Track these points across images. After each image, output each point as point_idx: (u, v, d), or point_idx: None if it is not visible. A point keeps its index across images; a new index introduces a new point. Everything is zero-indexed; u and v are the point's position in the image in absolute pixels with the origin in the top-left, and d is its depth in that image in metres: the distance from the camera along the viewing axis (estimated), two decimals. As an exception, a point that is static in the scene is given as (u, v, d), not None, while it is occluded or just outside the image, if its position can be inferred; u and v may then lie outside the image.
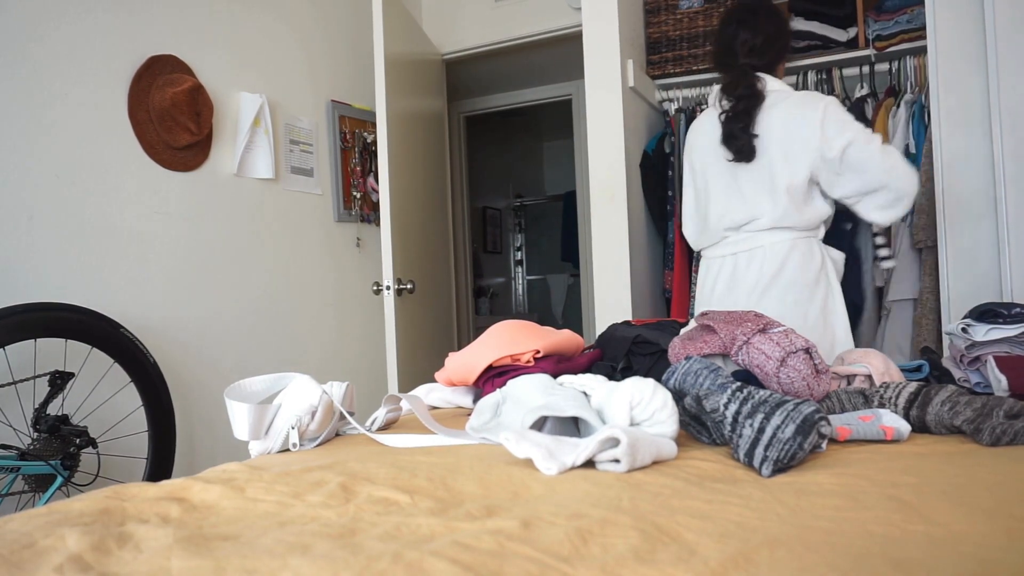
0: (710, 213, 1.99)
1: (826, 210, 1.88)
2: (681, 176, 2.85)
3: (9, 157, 2.01)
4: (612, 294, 2.69)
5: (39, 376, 1.91)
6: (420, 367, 2.94)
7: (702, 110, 2.88)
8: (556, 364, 1.39)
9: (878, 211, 1.79)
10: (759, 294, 1.87)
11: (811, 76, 2.82)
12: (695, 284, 2.87)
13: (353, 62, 3.27)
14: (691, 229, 2.12)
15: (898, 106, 2.57)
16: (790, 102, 1.85)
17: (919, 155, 2.47)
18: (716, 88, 1.97)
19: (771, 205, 1.85)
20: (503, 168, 6.63)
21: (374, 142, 3.25)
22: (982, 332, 1.34)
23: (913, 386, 1.14)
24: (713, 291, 1.99)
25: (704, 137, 2.00)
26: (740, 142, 1.85)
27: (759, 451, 0.86)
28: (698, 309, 2.07)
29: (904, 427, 1.02)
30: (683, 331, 1.43)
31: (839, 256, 1.96)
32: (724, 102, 1.91)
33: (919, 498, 0.71)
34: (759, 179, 1.87)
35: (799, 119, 1.81)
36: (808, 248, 1.88)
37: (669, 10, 2.98)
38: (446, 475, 0.84)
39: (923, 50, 2.50)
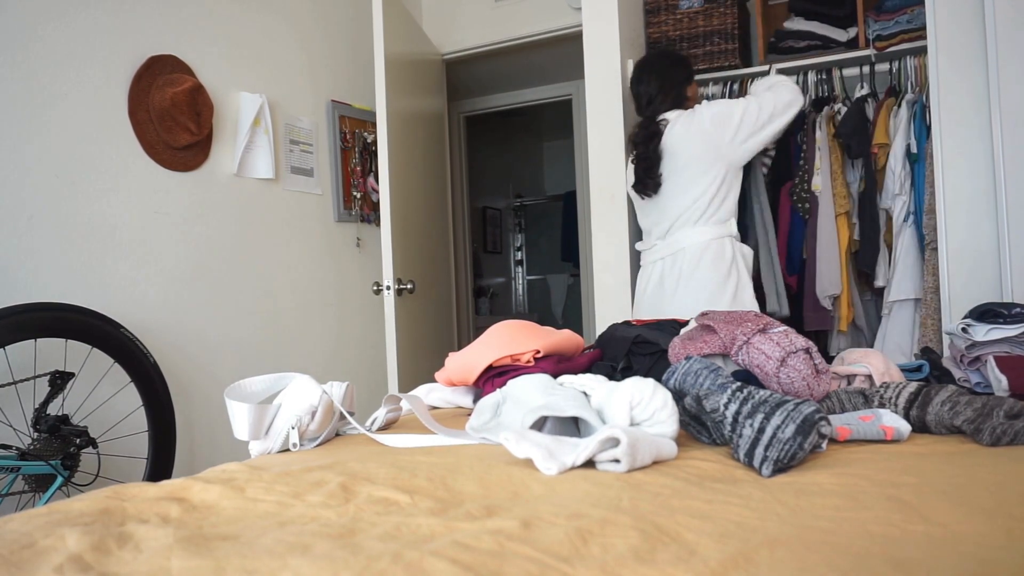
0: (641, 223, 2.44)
1: (734, 203, 2.29)
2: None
3: (9, 157, 2.01)
4: (612, 294, 2.69)
5: (39, 376, 1.91)
6: (420, 367, 2.94)
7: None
8: (556, 364, 1.39)
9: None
10: (678, 290, 2.24)
11: (811, 76, 2.81)
12: None
13: (353, 62, 3.27)
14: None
15: (899, 106, 2.57)
16: (681, 122, 2.27)
17: (921, 155, 2.47)
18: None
19: (687, 211, 2.25)
20: (503, 168, 6.63)
21: (374, 142, 3.25)
22: (982, 332, 1.34)
23: (913, 386, 1.14)
24: (644, 292, 2.37)
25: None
26: (647, 185, 2.29)
27: (759, 451, 0.86)
28: (636, 310, 2.45)
29: (904, 427, 1.02)
30: (683, 331, 1.43)
31: (749, 252, 2.30)
32: (632, 150, 2.36)
33: (919, 498, 0.71)
34: (673, 193, 2.28)
35: (694, 135, 2.23)
36: (720, 246, 2.23)
37: (669, 10, 2.98)
38: (446, 475, 0.84)
39: (923, 50, 2.50)
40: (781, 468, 0.86)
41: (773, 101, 2.21)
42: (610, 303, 2.69)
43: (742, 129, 2.20)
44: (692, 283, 2.22)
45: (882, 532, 0.62)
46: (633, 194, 2.41)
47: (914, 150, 2.50)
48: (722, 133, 2.20)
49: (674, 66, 2.40)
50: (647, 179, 2.28)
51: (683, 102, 2.35)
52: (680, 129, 2.25)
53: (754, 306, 2.23)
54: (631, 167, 2.40)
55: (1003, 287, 2.15)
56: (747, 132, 2.20)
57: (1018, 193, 2.14)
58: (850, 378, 1.32)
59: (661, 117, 2.30)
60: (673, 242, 2.29)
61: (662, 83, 2.34)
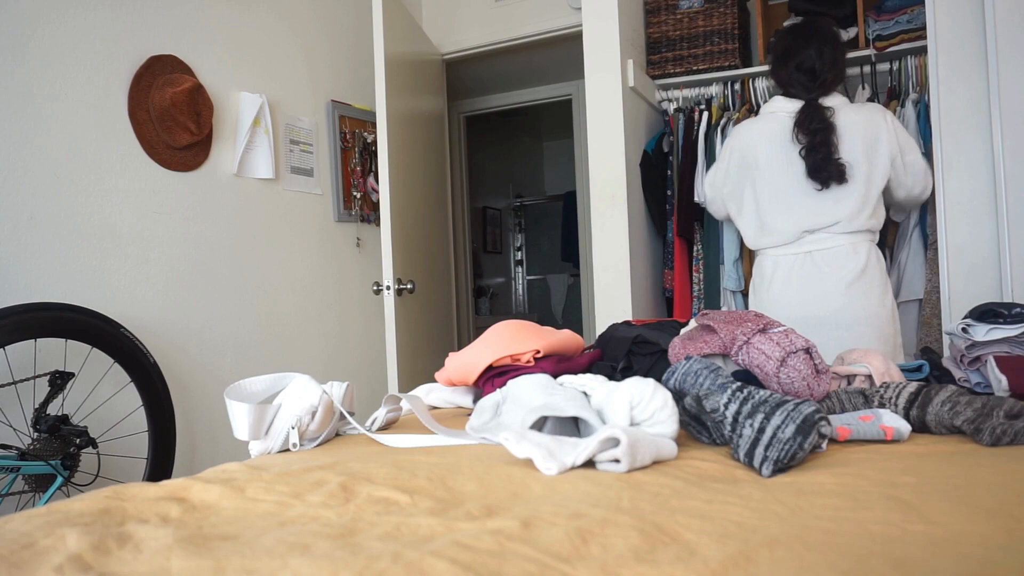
0: (779, 216, 2.09)
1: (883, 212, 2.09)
2: (681, 175, 2.86)
3: (9, 157, 2.01)
4: (612, 294, 2.69)
5: (39, 376, 1.91)
6: (420, 367, 2.94)
7: (702, 111, 2.88)
8: (556, 364, 1.39)
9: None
10: (844, 288, 2.01)
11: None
12: (696, 283, 2.89)
13: (353, 62, 3.27)
14: (751, 231, 2.19)
15: (903, 106, 2.57)
16: (854, 113, 2.02)
17: (927, 155, 2.47)
18: (778, 101, 2.11)
19: (854, 210, 2.00)
20: (503, 168, 6.63)
21: (374, 142, 3.25)
22: (982, 332, 1.34)
23: (913, 386, 1.14)
24: (783, 284, 2.09)
25: (769, 144, 2.09)
26: (828, 172, 1.98)
27: (759, 451, 0.86)
28: (753, 302, 2.20)
29: (904, 427, 1.02)
30: (683, 331, 1.43)
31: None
32: (800, 137, 2.02)
33: (919, 498, 0.71)
34: (839, 187, 2.01)
35: (872, 128, 2.01)
36: (878, 252, 2.08)
37: (669, 10, 2.98)
38: (446, 475, 0.84)
39: (923, 50, 2.50)
40: (781, 468, 0.86)
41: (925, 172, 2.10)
42: (610, 303, 2.69)
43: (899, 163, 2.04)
44: (860, 283, 2.01)
45: (882, 532, 0.62)
46: (760, 183, 2.10)
47: (922, 150, 2.50)
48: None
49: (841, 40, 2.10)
50: (830, 166, 1.97)
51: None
52: (856, 117, 2.02)
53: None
54: (765, 136, 2.08)
55: (1003, 287, 2.15)
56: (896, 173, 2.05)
57: (1018, 193, 2.14)
58: (850, 378, 1.32)
59: (827, 102, 2.02)
60: (829, 238, 2.04)
61: (833, 60, 2.04)
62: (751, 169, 2.13)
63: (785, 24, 2.47)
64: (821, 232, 2.05)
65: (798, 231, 2.07)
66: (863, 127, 2.01)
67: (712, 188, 2.32)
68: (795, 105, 2.05)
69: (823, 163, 1.98)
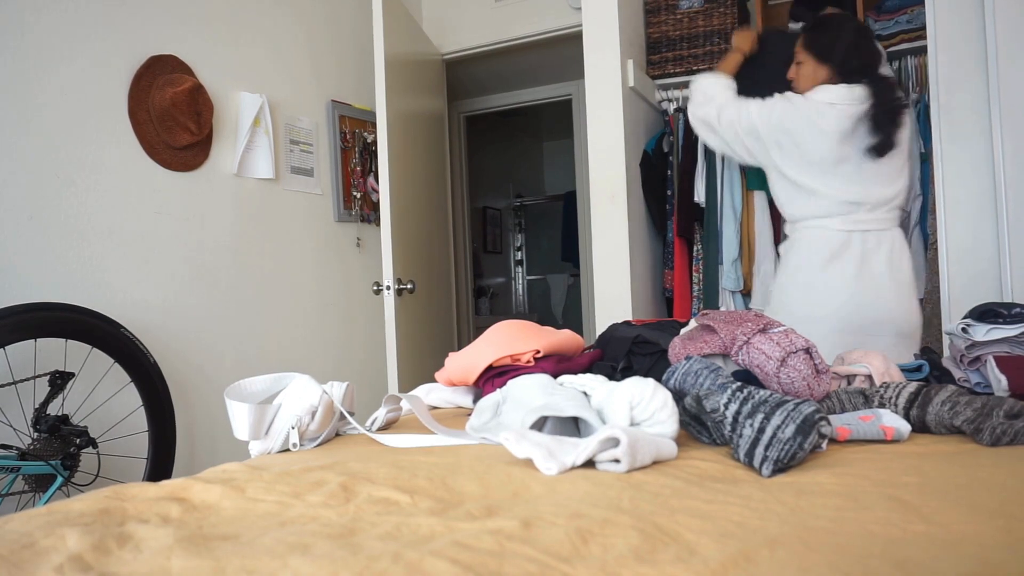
0: (829, 187, 2.01)
1: None
2: (681, 175, 2.86)
3: (9, 157, 2.01)
4: (612, 294, 2.69)
5: (39, 376, 1.91)
6: (420, 367, 2.94)
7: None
8: (556, 364, 1.39)
9: None
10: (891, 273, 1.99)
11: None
12: (695, 283, 2.89)
13: (353, 62, 3.27)
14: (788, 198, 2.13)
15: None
16: None
17: (927, 155, 2.47)
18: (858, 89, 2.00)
19: (900, 189, 2.03)
20: (503, 168, 6.63)
21: (374, 142, 3.25)
22: (982, 332, 1.34)
23: (913, 386, 1.14)
24: (837, 261, 2.01)
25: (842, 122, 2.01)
26: (887, 144, 1.98)
27: (759, 451, 0.86)
28: (797, 276, 2.09)
29: (904, 427, 1.02)
30: (683, 331, 1.43)
31: None
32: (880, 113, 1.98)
33: (920, 498, 0.71)
34: (894, 164, 2.01)
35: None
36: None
37: (669, 10, 2.98)
38: (446, 475, 0.84)
39: (923, 50, 2.50)
40: (781, 468, 0.86)
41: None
42: (610, 303, 2.69)
43: None
44: (899, 273, 1.99)
45: (883, 532, 0.62)
46: (837, 156, 2.01)
47: (922, 149, 2.51)
48: None
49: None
50: (888, 138, 1.97)
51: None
52: None
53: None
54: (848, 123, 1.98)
55: (1003, 287, 2.15)
56: None
57: (1018, 193, 2.14)
58: (850, 378, 1.32)
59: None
60: (884, 219, 2.02)
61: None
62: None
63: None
64: (873, 210, 2.00)
65: (846, 202, 2.00)
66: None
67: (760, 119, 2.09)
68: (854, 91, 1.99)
69: (888, 137, 1.97)
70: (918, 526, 0.63)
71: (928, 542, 0.59)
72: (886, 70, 2.12)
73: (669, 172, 2.92)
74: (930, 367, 1.41)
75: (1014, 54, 2.13)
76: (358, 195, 3.25)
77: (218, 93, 2.61)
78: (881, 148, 1.98)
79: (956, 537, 0.60)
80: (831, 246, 2.02)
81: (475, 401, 1.39)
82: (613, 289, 2.70)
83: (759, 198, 2.78)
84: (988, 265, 2.19)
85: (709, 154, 2.80)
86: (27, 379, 1.89)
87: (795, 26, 2.81)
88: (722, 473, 0.85)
